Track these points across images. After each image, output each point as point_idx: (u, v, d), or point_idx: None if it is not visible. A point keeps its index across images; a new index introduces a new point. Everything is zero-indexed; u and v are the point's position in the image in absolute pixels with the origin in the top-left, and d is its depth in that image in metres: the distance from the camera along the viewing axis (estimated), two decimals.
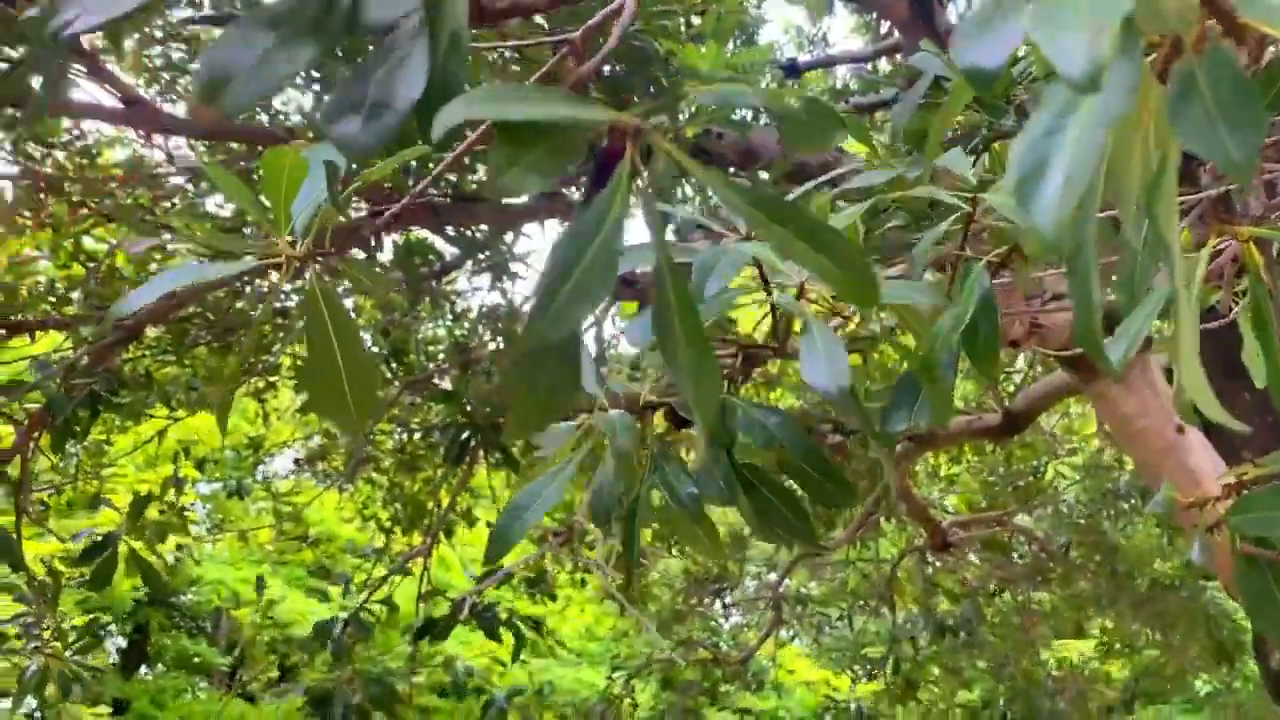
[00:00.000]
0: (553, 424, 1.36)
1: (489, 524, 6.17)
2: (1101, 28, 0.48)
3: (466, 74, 0.63)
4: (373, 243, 3.76)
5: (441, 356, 5.28)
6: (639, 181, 0.74)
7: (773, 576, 8.04)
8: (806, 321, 1.12)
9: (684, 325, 0.76)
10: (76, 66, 3.22)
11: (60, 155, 5.10)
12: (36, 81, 2.58)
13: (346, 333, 1.03)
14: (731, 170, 4.57)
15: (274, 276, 1.03)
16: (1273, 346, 1.06)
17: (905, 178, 1.18)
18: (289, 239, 0.96)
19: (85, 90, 4.10)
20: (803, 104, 0.92)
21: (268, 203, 1.05)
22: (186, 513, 5.69)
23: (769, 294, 1.20)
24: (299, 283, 1.08)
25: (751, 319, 1.48)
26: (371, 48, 0.63)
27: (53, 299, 4.78)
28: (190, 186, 4.84)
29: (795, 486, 1.17)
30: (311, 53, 0.60)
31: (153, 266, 5.19)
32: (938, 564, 7.42)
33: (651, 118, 0.71)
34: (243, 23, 0.61)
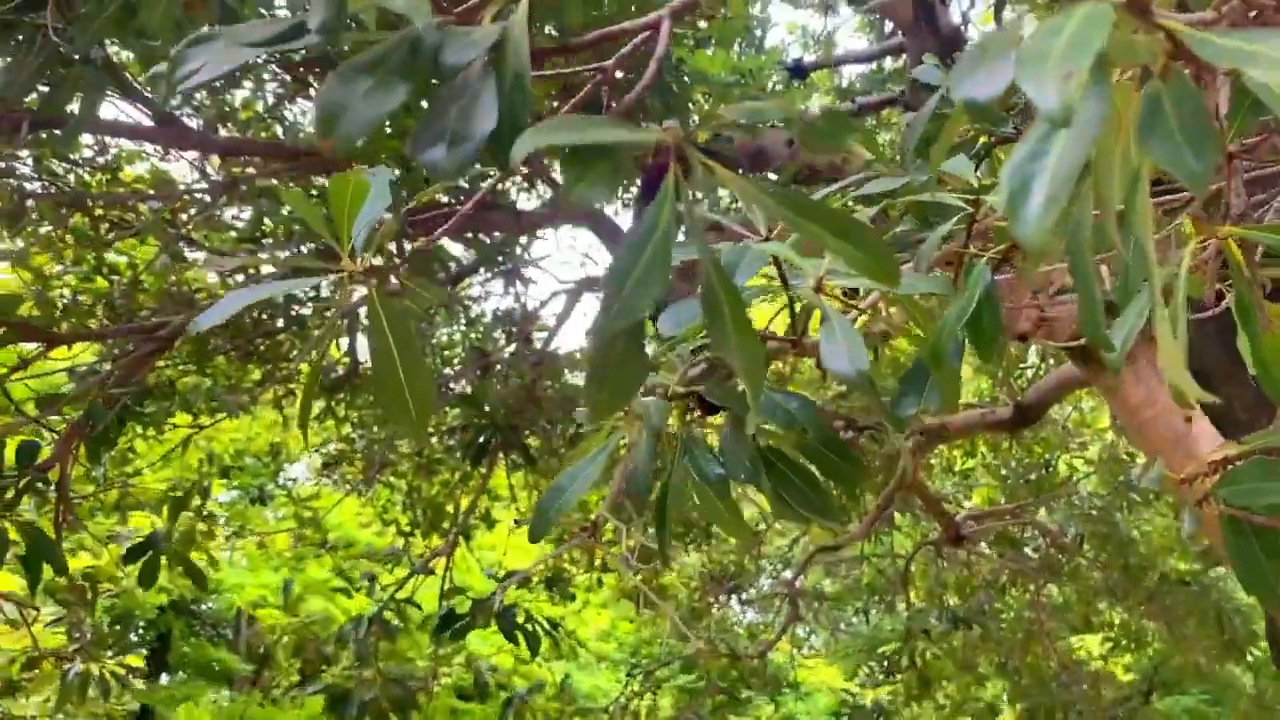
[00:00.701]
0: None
1: (517, 520, 6.25)
2: (1071, 72, 0.57)
3: (530, 107, 0.73)
4: (394, 253, 3.86)
5: (458, 362, 5.38)
6: (682, 192, 0.85)
7: (789, 573, 8.12)
8: (826, 313, 1.21)
9: (732, 313, 0.86)
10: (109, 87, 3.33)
11: (83, 171, 5.23)
12: (74, 101, 2.70)
13: (405, 342, 1.12)
14: (741, 172, 4.67)
15: (335, 290, 1.12)
16: (1258, 338, 1.15)
17: (913, 184, 1.27)
18: (352, 256, 1.05)
19: (116, 108, 4.23)
20: (821, 114, 1.02)
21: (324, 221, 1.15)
22: (212, 519, 5.81)
23: (788, 289, 1.29)
24: (359, 294, 1.17)
25: (764, 318, 1.57)
26: (446, 86, 0.73)
27: (78, 312, 4.90)
28: (209, 198, 4.96)
29: (813, 467, 1.26)
30: (404, 91, 0.70)
31: (170, 277, 5.31)
32: (950, 558, 7.49)
33: (688, 135, 0.81)
34: (345, 69, 0.71)
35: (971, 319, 1.14)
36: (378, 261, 1.18)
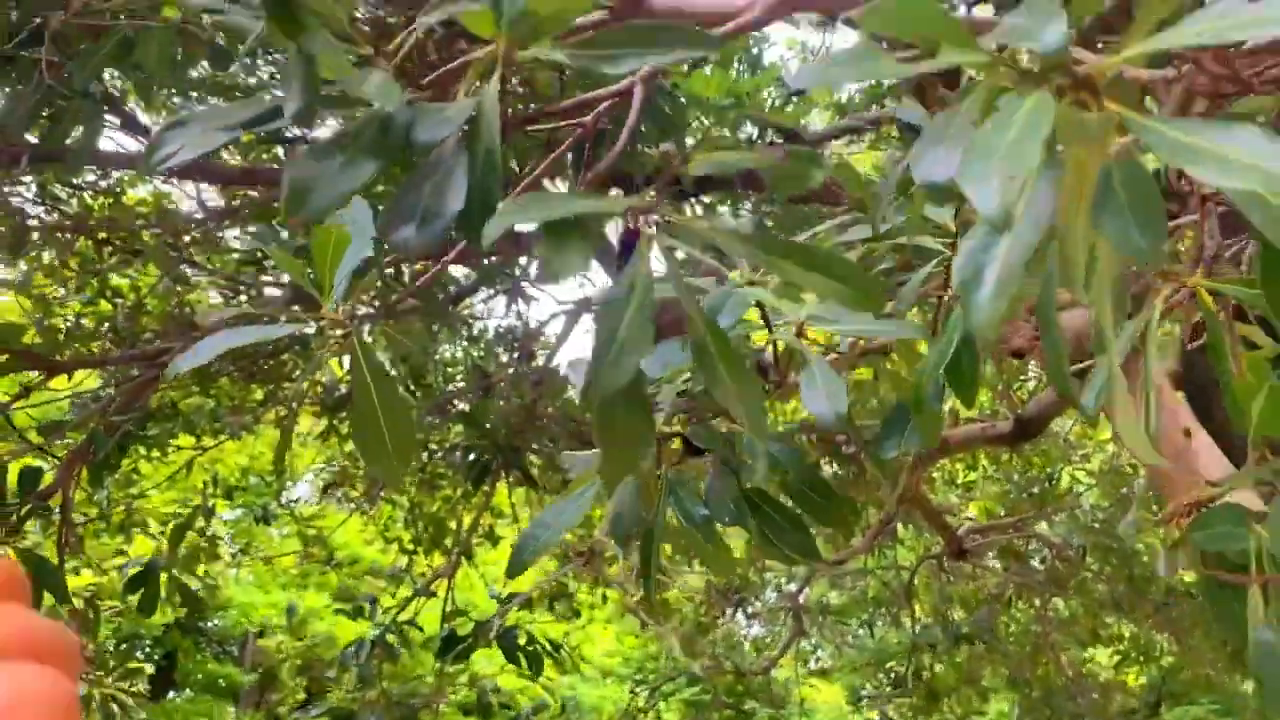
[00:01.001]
0: (576, 452, 1.48)
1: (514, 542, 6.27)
2: (1012, 178, 0.59)
3: (500, 184, 0.75)
4: (394, 276, 3.89)
5: (460, 380, 5.40)
6: (658, 249, 0.87)
7: (793, 587, 8.11)
8: (806, 356, 1.23)
9: (724, 360, 0.88)
10: (110, 118, 3.37)
11: (86, 195, 5.26)
12: (75, 132, 2.73)
13: (385, 388, 1.14)
14: (737, 191, 4.69)
15: (319, 334, 1.14)
16: (1231, 383, 1.17)
17: (894, 229, 1.29)
18: (333, 305, 1.07)
19: (115, 138, 4.26)
20: (788, 154, 1.04)
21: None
22: (216, 539, 5.82)
23: (770, 332, 1.32)
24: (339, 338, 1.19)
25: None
26: (419, 162, 0.75)
27: (81, 336, 4.93)
28: (211, 223, 4.99)
29: (797, 508, 1.28)
30: (373, 169, 0.72)
31: (173, 300, 5.34)
32: (955, 572, 7.48)
33: (662, 199, 0.83)
34: (316, 145, 0.72)
35: (951, 364, 1.16)
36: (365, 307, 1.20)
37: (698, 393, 1.31)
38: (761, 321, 1.35)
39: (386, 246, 0.76)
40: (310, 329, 1.21)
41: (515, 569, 1.28)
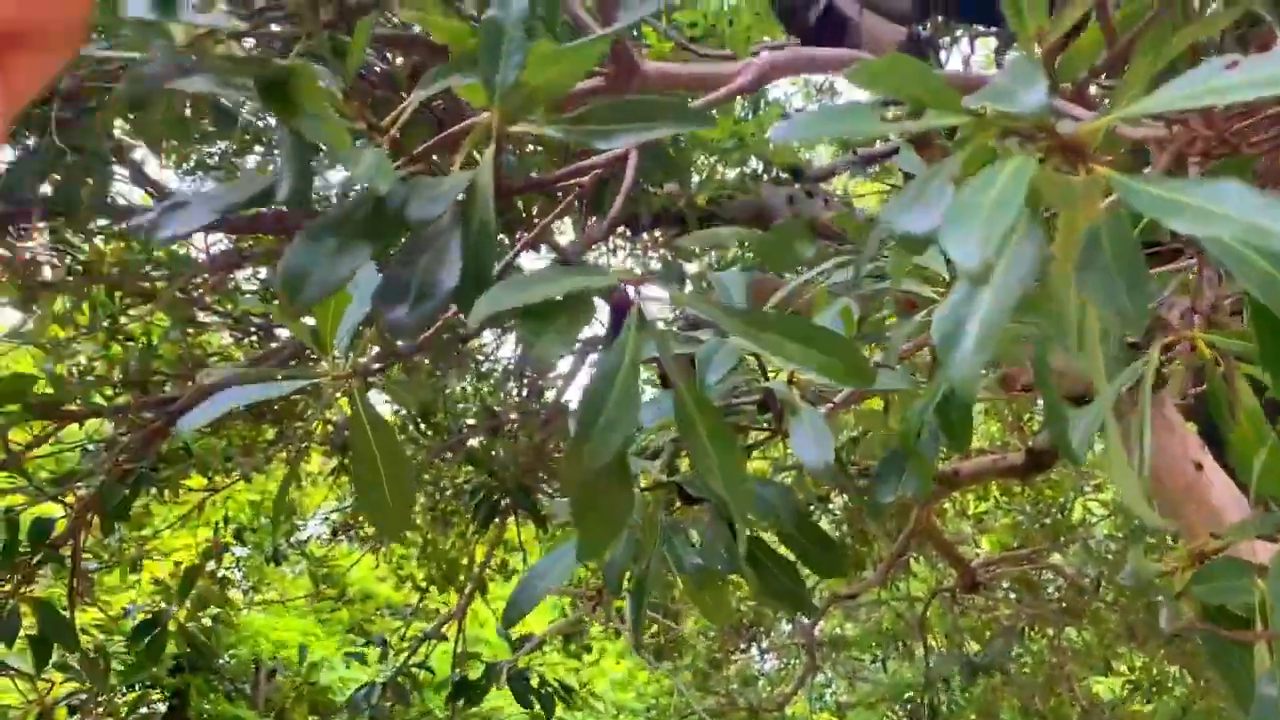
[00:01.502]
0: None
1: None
2: (991, 234, 0.61)
3: (495, 256, 0.76)
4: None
5: (471, 419, 5.41)
6: (647, 322, 0.89)
7: (806, 620, 8.05)
8: (796, 406, 1.25)
9: (710, 436, 0.89)
10: (120, 170, 3.42)
11: (98, 239, 5.32)
12: (85, 184, 2.77)
13: (386, 444, 1.16)
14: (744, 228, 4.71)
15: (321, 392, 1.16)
16: (1232, 433, 1.18)
17: (893, 284, 1.31)
18: (335, 361, 1.09)
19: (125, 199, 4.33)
20: (773, 230, 1.06)
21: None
22: (226, 576, 5.83)
23: (766, 380, 1.33)
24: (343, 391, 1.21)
25: None
26: (412, 239, 0.77)
27: (92, 378, 4.97)
28: (221, 272, 5.04)
29: (792, 556, 1.29)
30: (368, 253, 0.74)
31: (184, 342, 5.38)
32: (967, 604, 7.44)
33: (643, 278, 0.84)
34: (310, 230, 0.75)
35: (941, 412, 1.17)
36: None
37: (693, 468, 1.32)
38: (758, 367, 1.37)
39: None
40: (312, 383, 1.24)
41: (511, 620, 1.29)
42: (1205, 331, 1.10)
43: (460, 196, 0.79)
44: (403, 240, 0.79)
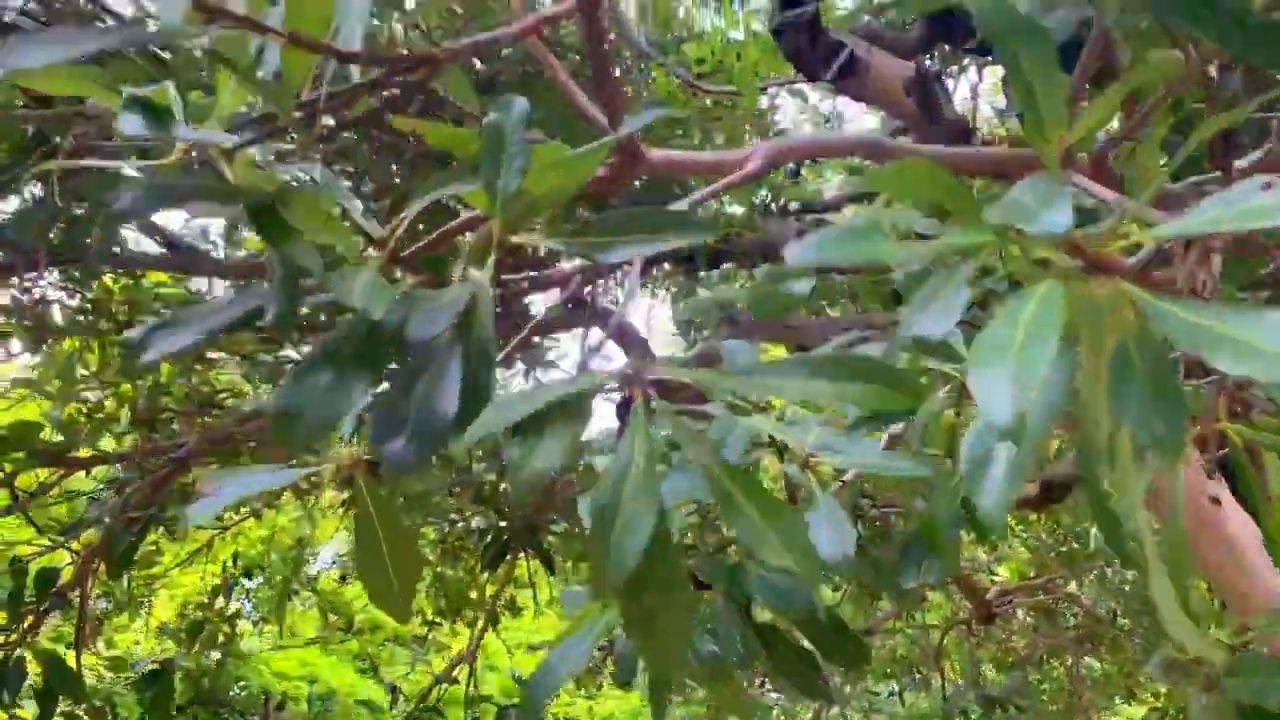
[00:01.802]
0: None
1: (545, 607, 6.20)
2: (1025, 381, 0.57)
3: (493, 379, 0.73)
4: None
5: (479, 458, 5.38)
6: (651, 413, 0.85)
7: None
8: (814, 493, 1.21)
9: (755, 504, 0.83)
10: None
11: (107, 279, 5.33)
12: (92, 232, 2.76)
13: (391, 528, 1.13)
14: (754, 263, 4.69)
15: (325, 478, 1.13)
16: (1265, 517, 1.14)
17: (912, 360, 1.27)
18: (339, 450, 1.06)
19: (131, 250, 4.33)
20: (761, 289, 1.03)
21: None
22: (234, 611, 5.79)
23: (782, 462, 1.30)
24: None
25: None
26: (409, 361, 0.74)
27: (101, 415, 4.95)
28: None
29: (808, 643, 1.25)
30: (365, 383, 0.71)
31: (193, 379, 5.37)
32: (984, 634, 7.36)
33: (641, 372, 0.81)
34: (302, 365, 0.71)
35: (967, 504, 1.13)
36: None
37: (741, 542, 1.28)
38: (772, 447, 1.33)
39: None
40: (315, 470, 1.21)
41: (529, 714, 1.25)
42: (1233, 420, 1.07)
43: (460, 309, 0.76)
44: (397, 363, 0.75)
